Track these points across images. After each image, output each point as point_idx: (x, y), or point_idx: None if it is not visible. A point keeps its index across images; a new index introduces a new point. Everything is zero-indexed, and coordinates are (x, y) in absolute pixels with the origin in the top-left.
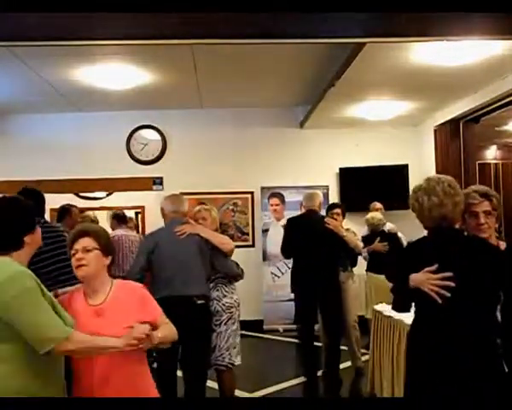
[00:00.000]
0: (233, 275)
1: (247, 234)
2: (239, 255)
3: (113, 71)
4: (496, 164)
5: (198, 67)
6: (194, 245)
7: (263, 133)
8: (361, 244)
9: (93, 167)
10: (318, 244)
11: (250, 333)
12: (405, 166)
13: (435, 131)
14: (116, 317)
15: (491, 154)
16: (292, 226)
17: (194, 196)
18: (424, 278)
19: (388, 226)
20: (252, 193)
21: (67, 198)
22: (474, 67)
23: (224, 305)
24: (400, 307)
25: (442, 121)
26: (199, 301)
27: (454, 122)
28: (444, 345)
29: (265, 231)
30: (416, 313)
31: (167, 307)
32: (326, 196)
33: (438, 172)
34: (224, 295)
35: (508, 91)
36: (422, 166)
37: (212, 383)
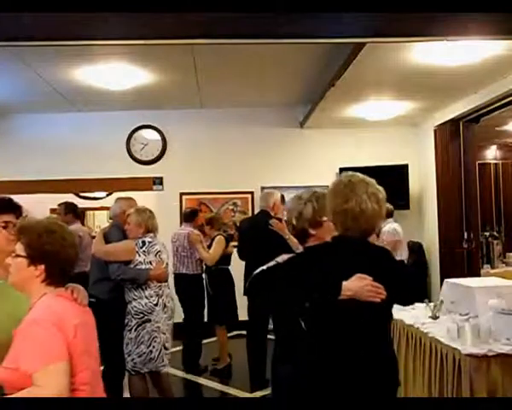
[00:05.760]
0: (125, 279)
1: None
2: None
3: (113, 71)
4: (496, 164)
5: (198, 67)
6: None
7: (263, 133)
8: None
9: (93, 167)
10: (260, 247)
11: None
12: (405, 166)
13: (435, 131)
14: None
15: (491, 154)
16: (241, 228)
17: (194, 196)
18: (362, 285)
19: (388, 227)
20: (252, 193)
21: (67, 198)
22: (474, 67)
23: (132, 309)
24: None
25: (442, 121)
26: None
27: (454, 122)
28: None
29: None
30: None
31: None
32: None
33: (438, 172)
34: (134, 299)
35: (508, 91)
36: (422, 167)
37: (205, 381)
